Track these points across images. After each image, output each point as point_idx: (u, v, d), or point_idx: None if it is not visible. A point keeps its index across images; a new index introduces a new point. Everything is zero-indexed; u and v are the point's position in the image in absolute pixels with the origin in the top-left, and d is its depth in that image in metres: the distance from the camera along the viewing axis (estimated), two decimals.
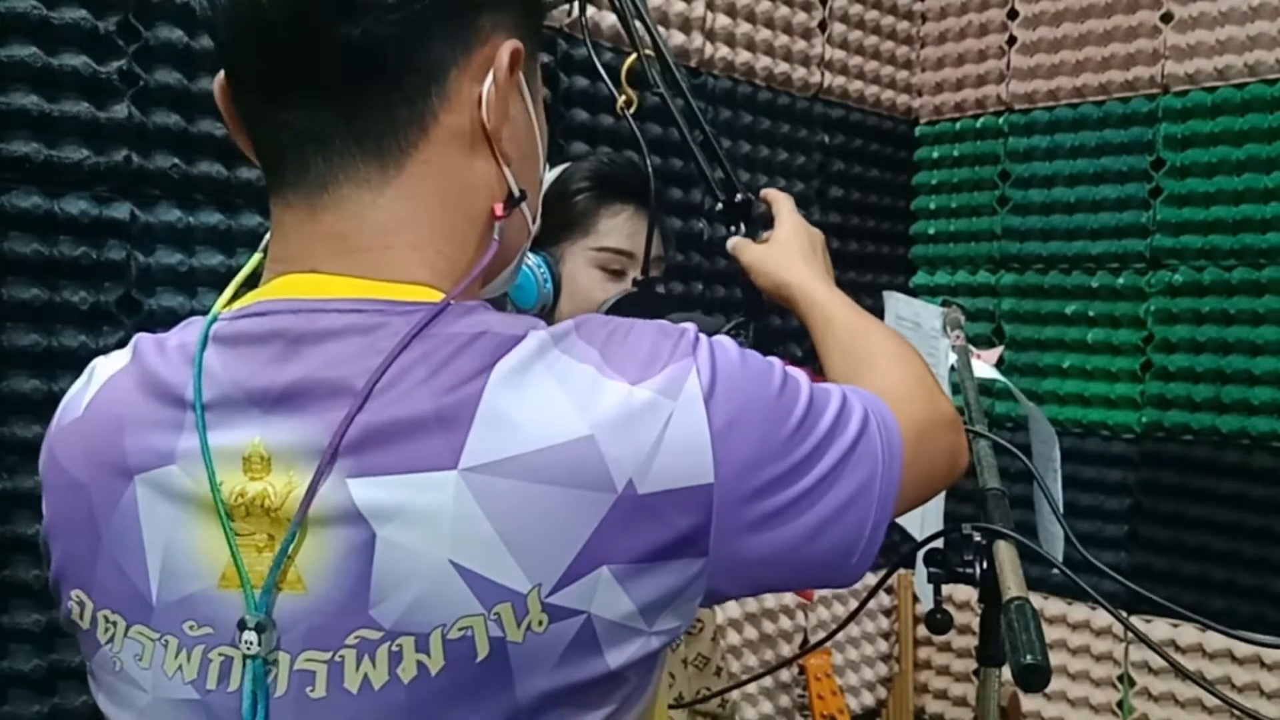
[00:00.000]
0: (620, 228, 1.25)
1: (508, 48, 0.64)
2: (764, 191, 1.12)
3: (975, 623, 0.93)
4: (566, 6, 1.90)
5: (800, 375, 0.67)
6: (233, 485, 0.59)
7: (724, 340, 0.64)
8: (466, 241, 0.66)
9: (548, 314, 1.27)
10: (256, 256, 0.69)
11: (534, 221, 0.73)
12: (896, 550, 1.06)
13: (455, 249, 0.65)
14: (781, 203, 1.08)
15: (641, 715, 0.64)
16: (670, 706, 1.31)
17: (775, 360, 0.66)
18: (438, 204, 0.64)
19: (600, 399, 0.58)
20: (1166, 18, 2.47)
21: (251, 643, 0.58)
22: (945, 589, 0.88)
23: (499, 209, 0.66)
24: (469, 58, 0.63)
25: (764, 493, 0.61)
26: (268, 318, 0.62)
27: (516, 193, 0.67)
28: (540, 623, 0.57)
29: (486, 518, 0.56)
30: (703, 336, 0.63)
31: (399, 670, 0.57)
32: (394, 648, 0.57)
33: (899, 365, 0.81)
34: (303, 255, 0.64)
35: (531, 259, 1.24)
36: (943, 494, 1.19)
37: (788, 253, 1.02)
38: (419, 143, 0.63)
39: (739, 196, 1.25)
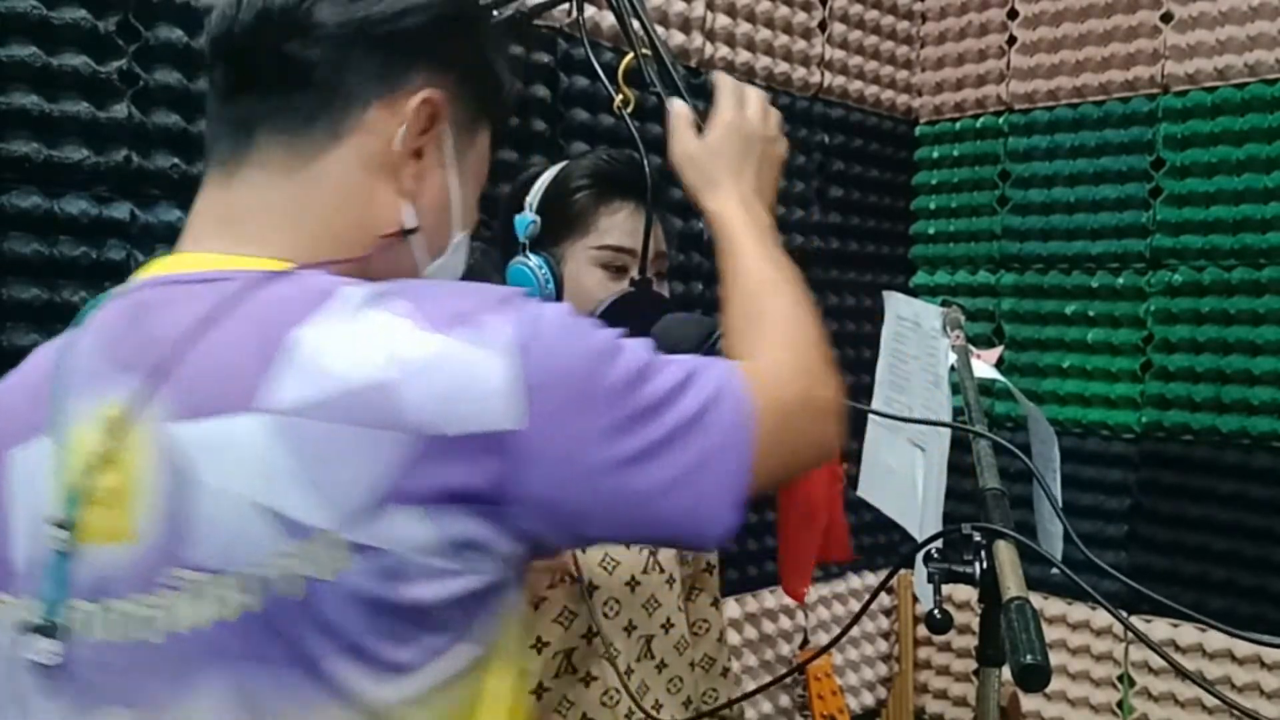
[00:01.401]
0: (620, 225, 1.24)
1: (418, 97, 0.73)
2: (714, 73, 1.02)
3: (975, 622, 0.93)
4: (566, 6, 1.90)
5: (640, 345, 0.68)
6: (84, 446, 0.64)
7: (558, 305, 0.68)
8: (347, 248, 0.72)
9: None
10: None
11: (428, 263, 0.78)
12: (896, 550, 1.06)
13: (332, 250, 0.71)
14: (723, 90, 0.96)
15: (483, 686, 0.66)
16: (683, 718, 1.30)
17: (614, 330, 0.68)
18: (329, 208, 0.72)
19: (409, 346, 0.62)
20: (1166, 18, 2.47)
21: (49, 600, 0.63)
22: (945, 589, 0.87)
23: (390, 231, 0.74)
24: (394, 98, 0.73)
25: (586, 448, 0.63)
26: (135, 293, 0.71)
27: (407, 225, 0.74)
28: (347, 560, 0.60)
29: (292, 458, 0.60)
30: (532, 300, 0.67)
31: (219, 610, 0.60)
32: (214, 588, 0.61)
33: (788, 341, 0.80)
34: (197, 233, 0.73)
35: (533, 260, 1.24)
36: (943, 494, 1.19)
37: (713, 162, 0.93)
38: (328, 151, 0.72)
39: None
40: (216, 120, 0.74)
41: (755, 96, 0.96)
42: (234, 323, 0.64)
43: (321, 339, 0.62)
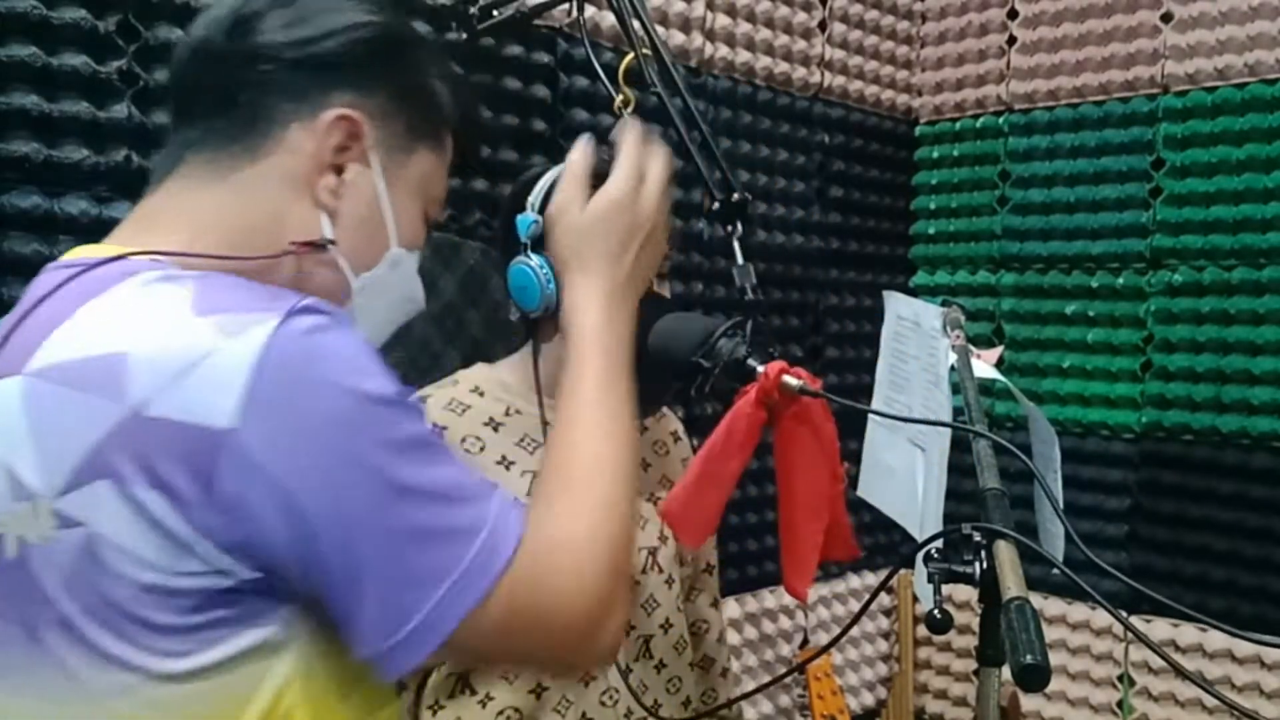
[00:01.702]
0: None
1: (331, 114, 0.76)
2: (624, 122, 0.96)
3: (975, 622, 0.93)
4: (566, 6, 1.90)
5: (424, 432, 0.64)
6: None
7: (347, 334, 0.65)
8: (251, 252, 0.74)
9: (552, 316, 1.26)
10: None
11: (354, 276, 0.79)
12: (897, 550, 1.06)
13: (232, 252, 0.73)
14: (625, 155, 0.92)
15: (236, 694, 0.62)
16: (690, 716, 1.30)
17: (409, 394, 0.65)
18: (239, 216, 0.75)
19: (156, 322, 0.62)
20: (1166, 18, 2.47)
21: None
22: (945, 589, 0.87)
23: (299, 240, 0.75)
24: (314, 118, 0.76)
25: (305, 486, 0.60)
26: (40, 279, 0.73)
27: (324, 237, 0.76)
28: (54, 529, 0.60)
29: (25, 417, 0.62)
30: (322, 317, 0.64)
31: None
32: None
33: (590, 520, 0.71)
34: (117, 232, 0.76)
35: (534, 259, 1.24)
36: (943, 494, 1.19)
37: (591, 242, 0.89)
38: (246, 167, 0.75)
39: (735, 196, 1.25)
40: (163, 152, 0.80)
41: (657, 168, 0.94)
42: (57, 300, 0.67)
43: (99, 308, 0.64)
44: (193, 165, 0.76)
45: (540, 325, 1.29)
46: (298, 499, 0.60)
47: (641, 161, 0.92)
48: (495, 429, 1.26)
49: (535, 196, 1.27)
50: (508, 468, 1.24)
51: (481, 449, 1.24)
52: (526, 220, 1.25)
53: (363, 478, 0.61)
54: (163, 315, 0.62)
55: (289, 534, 0.60)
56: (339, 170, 0.77)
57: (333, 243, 0.77)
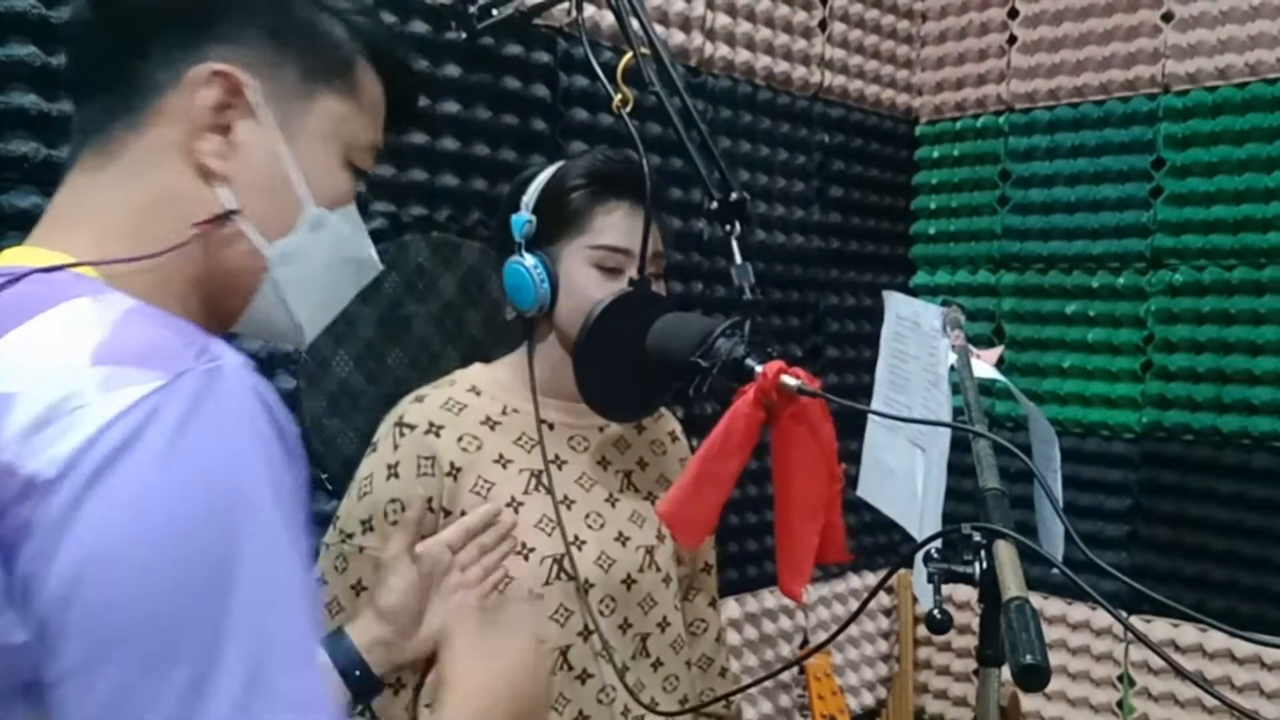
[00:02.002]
0: (615, 225, 1.24)
1: (204, 70, 0.70)
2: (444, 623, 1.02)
3: (975, 622, 0.93)
4: (565, 5, 1.90)
5: (298, 585, 0.58)
6: None
7: (239, 433, 0.58)
8: (156, 242, 0.70)
9: (547, 315, 1.27)
10: None
11: (269, 244, 0.74)
12: (896, 550, 1.06)
13: (140, 245, 0.69)
14: (454, 653, 0.95)
15: None
16: (676, 712, 1.30)
17: (287, 523, 0.58)
18: (132, 202, 0.71)
19: (54, 365, 0.58)
20: (1167, 17, 2.47)
21: None
22: (945, 589, 0.87)
23: (199, 220, 0.71)
24: (187, 80, 0.70)
25: (86, 574, 0.53)
26: None
27: (228, 206, 0.72)
28: None
29: None
30: (221, 383, 0.58)
31: None
32: None
33: None
34: (35, 231, 0.73)
35: (528, 259, 1.24)
36: (942, 494, 1.19)
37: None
38: (129, 145, 0.71)
39: (734, 195, 1.25)
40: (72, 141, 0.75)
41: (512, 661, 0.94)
42: None
43: (11, 345, 0.59)
44: (88, 152, 0.72)
45: (536, 324, 1.29)
46: (82, 585, 0.53)
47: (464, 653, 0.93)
48: (492, 428, 1.26)
49: (530, 196, 1.27)
50: (505, 466, 1.24)
51: (479, 448, 1.24)
52: (520, 219, 1.26)
53: (153, 633, 0.53)
54: (62, 358, 0.58)
55: (59, 613, 0.54)
56: (224, 131, 0.71)
57: (235, 213, 0.72)
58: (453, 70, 1.89)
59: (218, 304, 0.75)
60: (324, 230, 0.77)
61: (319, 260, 0.77)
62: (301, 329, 0.79)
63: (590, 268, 1.23)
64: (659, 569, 1.30)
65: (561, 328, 1.26)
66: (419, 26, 1.83)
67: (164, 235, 0.70)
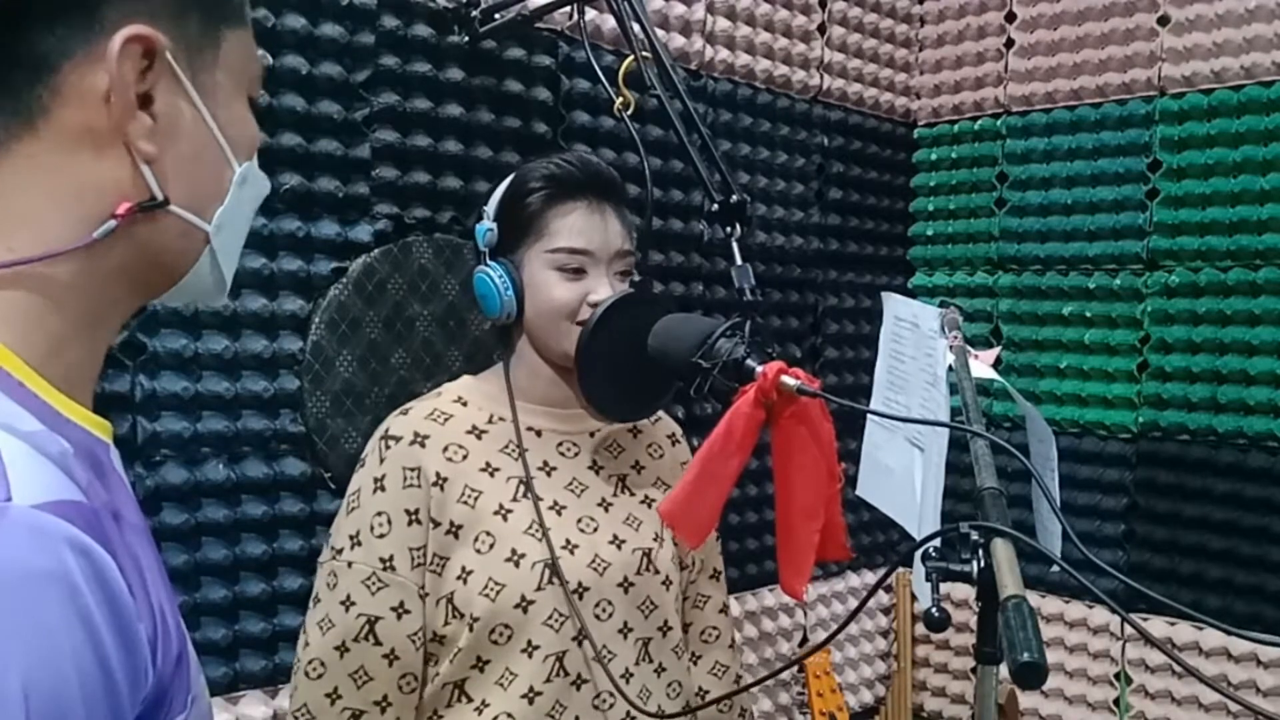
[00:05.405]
0: (572, 226, 1.24)
1: (120, 37, 0.60)
2: None
3: (973, 621, 0.94)
4: (567, 9, 1.91)
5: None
6: None
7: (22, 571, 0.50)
8: (71, 236, 0.62)
9: (515, 322, 1.27)
10: None
11: (203, 220, 0.67)
12: (895, 549, 1.07)
13: (51, 240, 0.61)
14: None
15: None
16: (676, 713, 1.30)
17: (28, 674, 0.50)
18: (42, 200, 0.61)
19: None
20: (1163, 20, 2.48)
21: None
22: (943, 587, 0.88)
23: (121, 210, 0.62)
24: (89, 50, 0.60)
25: None
26: None
27: (158, 195, 0.63)
28: None
29: None
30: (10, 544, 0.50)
31: None
32: None
33: None
34: None
35: (494, 269, 1.25)
36: (941, 494, 1.20)
37: None
38: (24, 136, 0.61)
39: (734, 198, 1.26)
40: None
41: None
42: None
43: None
44: None
45: (510, 332, 1.30)
46: None
47: None
48: (479, 436, 1.26)
49: (491, 205, 1.29)
50: (492, 474, 1.24)
51: (465, 457, 1.24)
52: (483, 229, 1.27)
53: None
54: None
55: None
56: (147, 103, 0.62)
57: (165, 202, 0.64)
58: (455, 73, 1.90)
59: (147, 284, 0.68)
60: (248, 184, 0.71)
61: (245, 215, 0.72)
62: (227, 285, 0.73)
63: (551, 271, 1.24)
64: (657, 571, 1.30)
65: (532, 333, 1.27)
66: (422, 30, 1.85)
67: (76, 228, 0.62)
